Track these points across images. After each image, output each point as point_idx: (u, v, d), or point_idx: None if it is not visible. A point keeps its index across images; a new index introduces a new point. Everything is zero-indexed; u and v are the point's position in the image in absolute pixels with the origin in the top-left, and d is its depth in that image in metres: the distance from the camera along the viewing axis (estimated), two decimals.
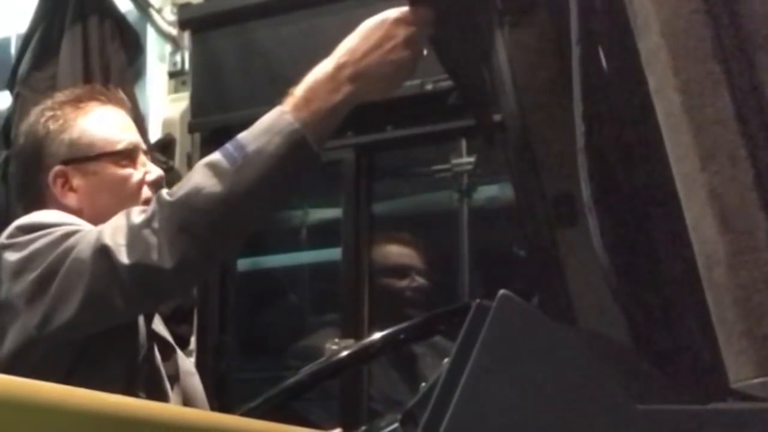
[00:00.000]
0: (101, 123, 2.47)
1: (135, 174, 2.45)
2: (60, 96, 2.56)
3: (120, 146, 2.45)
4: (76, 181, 2.43)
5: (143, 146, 2.52)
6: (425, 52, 2.24)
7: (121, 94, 2.61)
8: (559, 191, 2.31)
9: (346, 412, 3.96)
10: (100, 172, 2.44)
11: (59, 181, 2.43)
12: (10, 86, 4.35)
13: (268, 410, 2.24)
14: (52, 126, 2.46)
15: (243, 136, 2.15)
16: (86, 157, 2.44)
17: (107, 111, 2.50)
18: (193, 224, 2.09)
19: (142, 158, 2.49)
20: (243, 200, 2.12)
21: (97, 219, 2.33)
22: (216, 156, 2.14)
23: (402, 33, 2.17)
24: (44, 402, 0.92)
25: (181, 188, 2.14)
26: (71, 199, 2.43)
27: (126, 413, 0.98)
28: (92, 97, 2.53)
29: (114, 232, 2.14)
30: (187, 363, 2.61)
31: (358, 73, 2.16)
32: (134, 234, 2.11)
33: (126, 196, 2.41)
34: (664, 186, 1.38)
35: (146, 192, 2.43)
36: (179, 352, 2.56)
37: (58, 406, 0.93)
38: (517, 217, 2.63)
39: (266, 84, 4.29)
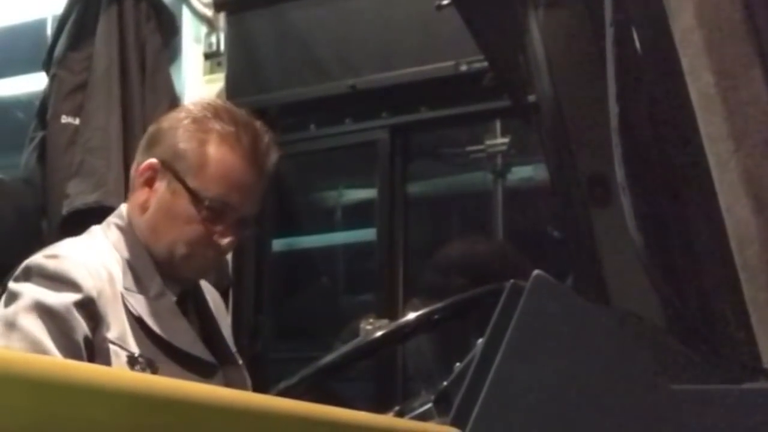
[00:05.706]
0: (216, 163, 2.30)
1: (205, 225, 2.30)
2: (222, 111, 2.36)
3: (207, 194, 2.29)
4: (158, 184, 2.33)
5: (243, 211, 2.34)
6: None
7: (267, 161, 2.35)
8: (593, 172, 2.32)
9: (381, 392, 3.98)
10: (176, 197, 2.32)
11: (147, 173, 2.34)
12: (46, 67, 4.36)
13: (303, 390, 2.25)
14: (181, 131, 2.33)
15: None
16: (178, 175, 2.31)
17: (236, 157, 2.32)
18: None
19: (231, 218, 2.32)
20: None
21: (149, 229, 2.33)
22: None
23: None
24: (80, 382, 0.93)
25: None
26: (144, 193, 2.34)
27: (157, 392, 0.98)
28: (239, 135, 2.32)
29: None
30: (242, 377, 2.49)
31: None
32: None
33: (181, 235, 2.31)
34: (698, 167, 1.38)
35: (200, 248, 2.32)
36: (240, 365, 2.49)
37: (95, 387, 0.94)
38: (551, 197, 2.64)
39: (301, 65, 4.31)
